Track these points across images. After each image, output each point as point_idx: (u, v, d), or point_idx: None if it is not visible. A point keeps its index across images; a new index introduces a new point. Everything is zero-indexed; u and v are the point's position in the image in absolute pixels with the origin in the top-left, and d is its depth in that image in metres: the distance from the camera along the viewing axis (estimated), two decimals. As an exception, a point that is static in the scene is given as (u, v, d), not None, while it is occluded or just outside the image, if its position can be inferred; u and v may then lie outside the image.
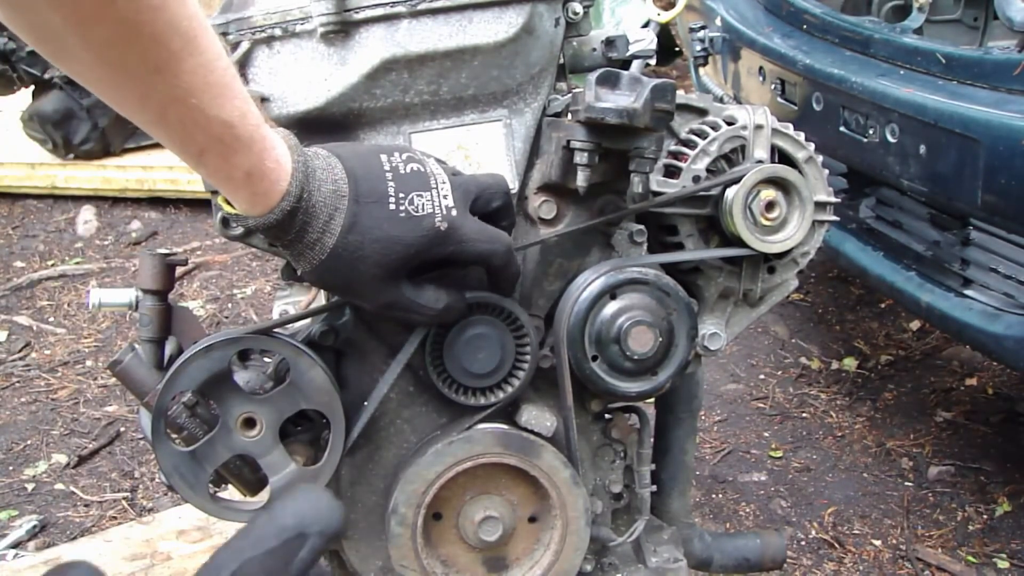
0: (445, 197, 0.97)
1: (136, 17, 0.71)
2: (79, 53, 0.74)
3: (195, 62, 0.76)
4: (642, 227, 1.19)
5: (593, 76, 1.05)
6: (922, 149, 1.97)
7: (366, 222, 0.92)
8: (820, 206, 1.17)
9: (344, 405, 1.08)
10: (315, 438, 1.13)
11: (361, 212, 0.92)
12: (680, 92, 1.11)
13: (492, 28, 1.08)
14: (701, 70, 3.05)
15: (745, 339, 3.07)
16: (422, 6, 1.06)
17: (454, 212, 0.96)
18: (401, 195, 0.94)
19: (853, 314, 3.24)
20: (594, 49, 1.19)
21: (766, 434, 2.66)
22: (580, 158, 1.05)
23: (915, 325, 3.10)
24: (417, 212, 0.94)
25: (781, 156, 1.18)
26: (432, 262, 0.98)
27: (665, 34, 4.85)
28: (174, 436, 1.06)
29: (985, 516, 2.30)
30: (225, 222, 1.08)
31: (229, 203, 0.92)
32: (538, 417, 1.14)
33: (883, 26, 2.34)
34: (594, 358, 1.13)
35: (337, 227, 0.91)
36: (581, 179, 1.06)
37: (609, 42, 1.18)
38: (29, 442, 2.68)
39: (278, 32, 1.07)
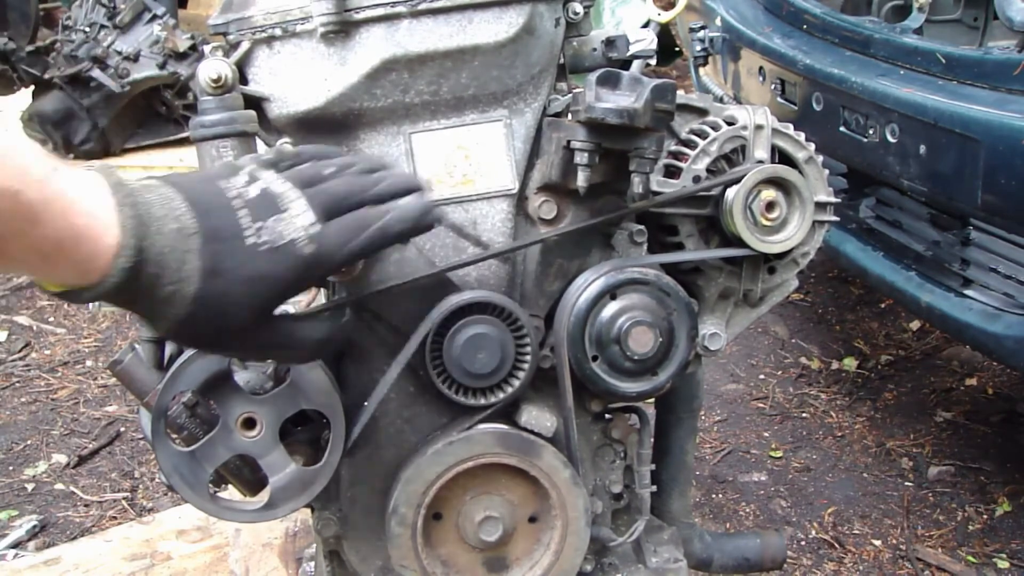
0: (301, 214, 0.83)
1: None
2: None
3: None
4: (642, 227, 1.19)
5: (593, 76, 1.05)
6: (922, 149, 1.97)
7: (227, 262, 0.79)
8: (820, 206, 1.17)
9: (344, 405, 1.08)
10: (315, 438, 1.13)
11: (218, 251, 0.79)
12: (680, 92, 1.11)
13: (492, 28, 1.08)
14: (701, 70, 3.05)
15: (745, 339, 3.07)
16: (422, 6, 1.06)
17: (315, 228, 0.83)
18: (258, 224, 0.81)
19: (853, 314, 3.24)
20: (594, 49, 1.19)
21: (766, 434, 2.66)
22: (580, 158, 1.05)
23: (915, 325, 3.10)
24: (278, 241, 0.81)
25: (781, 156, 1.18)
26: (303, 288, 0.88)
27: (665, 34, 4.85)
28: (174, 436, 1.06)
29: (985, 516, 2.30)
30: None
31: (48, 285, 0.76)
32: (538, 417, 1.14)
33: (883, 26, 2.34)
34: (594, 358, 1.13)
35: (193, 272, 0.77)
36: (581, 179, 1.06)
37: (609, 42, 1.18)
38: (29, 442, 2.68)
39: (278, 32, 1.07)
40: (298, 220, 0.83)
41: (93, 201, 0.73)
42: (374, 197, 0.89)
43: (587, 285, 1.13)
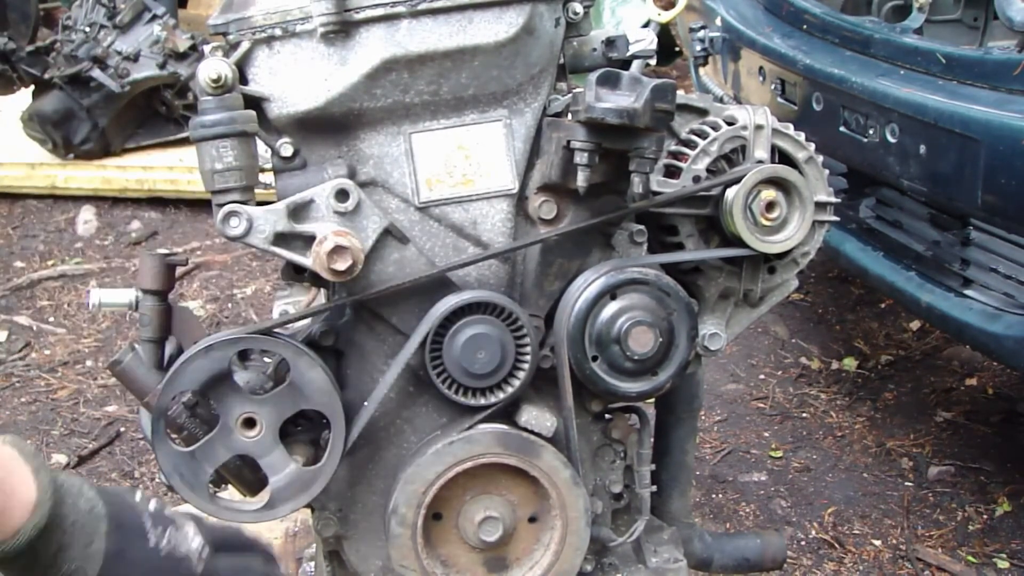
0: (194, 536, 0.90)
1: None
2: None
3: None
4: (642, 227, 1.19)
5: (593, 76, 1.05)
6: (922, 149, 1.97)
7: (130, 554, 0.82)
8: (820, 206, 1.17)
9: (344, 405, 1.08)
10: (315, 438, 1.13)
11: (123, 542, 0.82)
12: (680, 92, 1.11)
13: (492, 28, 1.08)
14: (701, 70, 3.05)
15: (745, 339, 3.06)
16: (422, 6, 1.06)
17: (205, 552, 0.90)
18: (159, 529, 0.87)
19: (853, 314, 3.24)
20: (594, 49, 1.19)
21: (766, 434, 2.66)
22: (580, 158, 1.05)
23: (915, 325, 3.10)
24: (176, 552, 0.87)
25: (781, 156, 1.18)
26: None
27: (665, 34, 4.85)
28: (174, 436, 1.06)
29: (985, 516, 2.30)
30: (227, 218, 1.07)
31: None
32: (538, 417, 1.14)
33: (883, 26, 2.33)
34: (594, 358, 1.13)
35: (98, 554, 0.79)
36: (581, 179, 1.06)
37: (609, 42, 1.18)
38: (29, 442, 2.68)
39: (278, 32, 1.07)
40: (193, 541, 0.89)
41: (11, 462, 0.75)
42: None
43: (587, 285, 1.13)
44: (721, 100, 2.09)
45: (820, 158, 1.18)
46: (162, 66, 3.93)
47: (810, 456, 2.56)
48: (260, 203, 1.08)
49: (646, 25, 1.24)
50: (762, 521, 2.32)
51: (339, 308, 1.13)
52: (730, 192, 1.13)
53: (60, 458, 2.59)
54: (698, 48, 1.38)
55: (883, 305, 3.24)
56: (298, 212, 1.09)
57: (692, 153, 1.15)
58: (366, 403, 1.12)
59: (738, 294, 1.22)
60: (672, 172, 1.17)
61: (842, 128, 2.22)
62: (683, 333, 1.15)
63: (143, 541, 0.84)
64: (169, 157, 4.05)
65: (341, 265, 1.04)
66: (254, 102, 1.09)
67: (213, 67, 1.04)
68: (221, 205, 1.05)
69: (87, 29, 3.94)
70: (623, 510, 1.33)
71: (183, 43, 3.94)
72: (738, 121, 1.17)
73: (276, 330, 1.11)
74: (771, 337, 3.13)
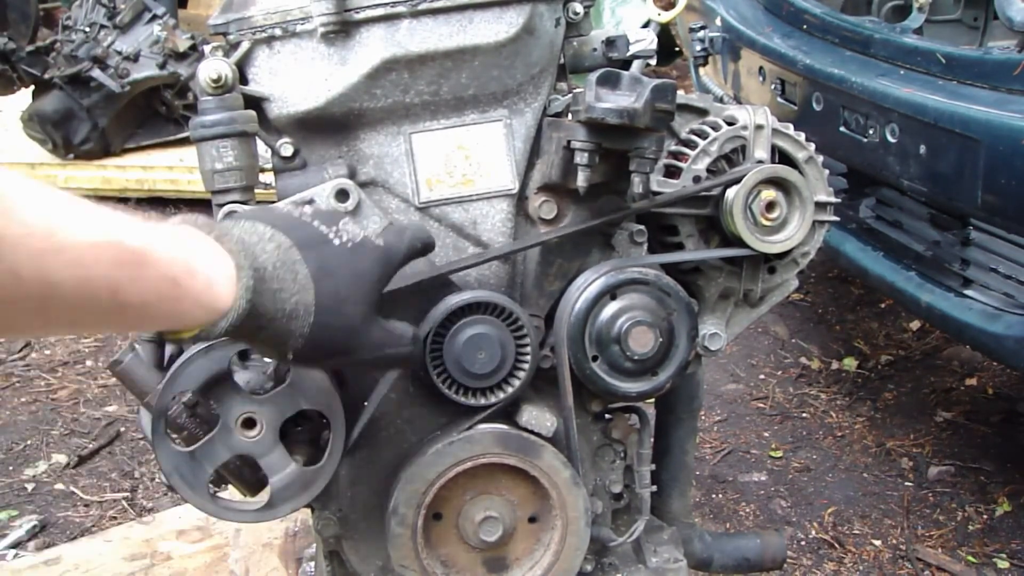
0: (370, 217, 0.93)
1: None
2: None
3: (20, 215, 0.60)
4: (642, 227, 1.19)
5: (593, 76, 1.05)
6: (922, 149, 1.97)
7: (329, 263, 0.84)
8: (820, 206, 1.17)
9: (344, 405, 1.08)
10: (315, 438, 1.13)
11: (317, 256, 0.83)
12: (680, 92, 1.11)
13: (492, 28, 1.08)
14: (701, 70, 3.05)
15: (745, 339, 3.06)
16: (422, 6, 1.06)
17: (376, 224, 0.92)
18: (333, 229, 0.87)
19: (853, 314, 3.24)
20: (594, 49, 1.19)
21: (766, 434, 2.66)
22: (580, 158, 1.05)
23: (915, 325, 3.10)
24: (356, 238, 0.88)
25: (781, 156, 1.18)
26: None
27: (665, 34, 4.85)
28: (174, 436, 1.06)
29: (985, 516, 2.30)
30: (227, 218, 1.07)
31: (183, 332, 0.77)
32: (538, 417, 1.14)
33: (883, 26, 2.33)
34: (594, 358, 1.13)
35: (307, 279, 0.81)
36: (581, 179, 1.06)
37: (609, 42, 1.18)
38: (29, 442, 2.68)
39: (278, 32, 1.07)
40: (361, 224, 0.90)
41: (195, 237, 0.75)
42: None
43: (587, 285, 1.13)
44: (721, 100, 2.09)
45: (820, 158, 1.18)
46: (162, 66, 3.93)
47: (810, 456, 2.56)
48: (260, 203, 1.08)
49: (646, 25, 1.24)
50: (762, 521, 2.32)
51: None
52: (730, 192, 1.13)
53: (60, 458, 2.59)
54: (698, 48, 1.38)
55: (883, 305, 3.24)
56: (298, 212, 1.08)
57: (692, 153, 1.15)
58: (366, 403, 1.12)
59: (738, 294, 1.22)
60: (672, 172, 1.17)
61: (842, 128, 2.23)
62: (683, 333, 1.15)
63: (329, 246, 0.85)
64: (169, 157, 4.05)
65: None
66: (254, 102, 1.09)
67: (213, 67, 1.04)
68: (221, 205, 1.06)
69: (87, 29, 3.93)
70: (623, 510, 1.33)
71: (183, 43, 3.93)
72: (738, 121, 1.17)
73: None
74: (771, 337, 3.13)
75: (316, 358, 0.87)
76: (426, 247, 0.96)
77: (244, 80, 1.09)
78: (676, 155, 1.18)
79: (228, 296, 0.75)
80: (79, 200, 0.66)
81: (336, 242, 0.86)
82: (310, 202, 1.05)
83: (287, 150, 1.11)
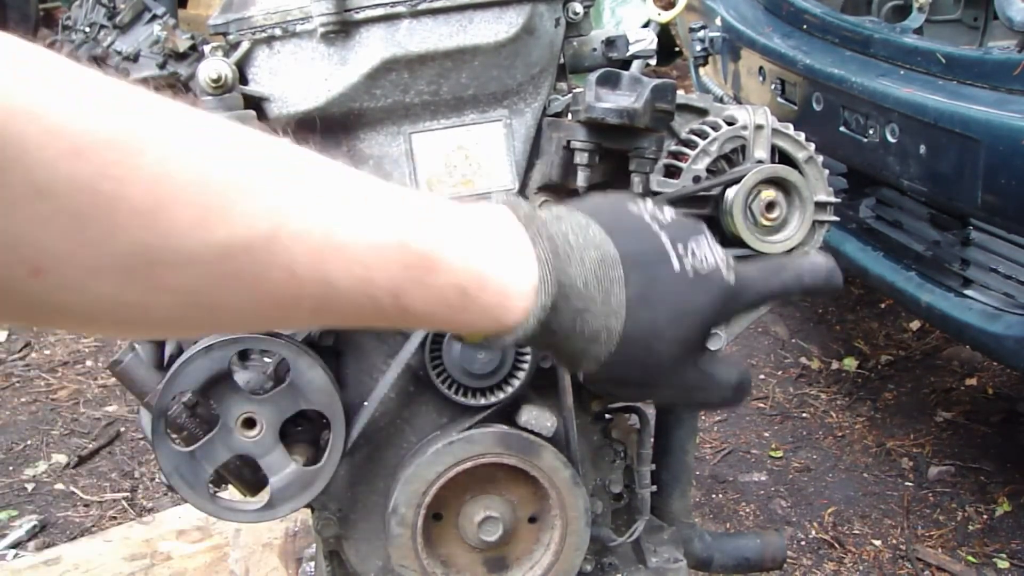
0: (716, 242, 0.75)
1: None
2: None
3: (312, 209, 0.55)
4: (642, 227, 1.19)
5: (593, 76, 1.05)
6: (922, 149, 1.97)
7: (656, 290, 0.71)
8: (820, 206, 1.17)
9: (344, 405, 1.08)
10: (315, 438, 1.13)
11: (644, 278, 0.71)
12: (680, 92, 1.11)
13: (492, 28, 1.08)
14: (701, 70, 3.05)
15: (745, 339, 3.06)
16: (422, 6, 1.06)
17: (731, 258, 0.76)
18: (680, 248, 0.72)
19: (853, 314, 3.24)
20: (594, 49, 1.19)
21: (766, 434, 2.66)
22: (580, 158, 1.05)
23: (915, 325, 3.10)
24: (703, 268, 0.73)
25: (781, 156, 1.18)
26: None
27: (665, 34, 4.85)
28: (174, 436, 1.06)
29: (985, 516, 2.30)
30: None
31: (466, 336, 0.69)
32: (538, 417, 1.14)
33: (883, 26, 2.33)
34: (594, 358, 1.13)
35: (621, 305, 0.70)
36: (581, 179, 1.06)
37: (609, 42, 1.18)
38: (29, 442, 2.68)
39: (278, 32, 1.07)
40: (716, 246, 0.75)
41: (501, 239, 0.66)
42: None
43: (587, 285, 1.12)
44: (721, 100, 2.09)
45: (820, 158, 1.18)
46: (162, 66, 3.93)
47: (810, 456, 2.56)
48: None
49: (646, 25, 1.24)
50: (762, 521, 2.32)
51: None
52: (730, 192, 1.13)
53: (60, 458, 2.60)
54: (698, 48, 1.38)
55: (883, 305, 3.24)
56: (298, 212, 1.08)
57: (692, 153, 1.15)
58: (366, 403, 1.12)
59: (738, 294, 1.22)
60: (672, 172, 1.17)
61: (842, 128, 2.23)
62: (683, 333, 1.14)
63: (668, 268, 0.71)
64: (169, 157, 4.05)
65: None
66: (254, 102, 1.09)
67: (213, 67, 1.04)
68: (221, 205, 1.05)
69: (87, 29, 3.94)
70: (623, 510, 1.33)
71: (183, 43, 3.93)
72: (738, 121, 1.17)
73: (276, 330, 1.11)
74: (771, 337, 3.13)
75: (610, 385, 0.78)
76: (815, 289, 0.82)
77: (244, 80, 1.09)
78: (676, 155, 1.18)
79: (519, 312, 0.66)
80: (363, 181, 0.60)
81: (676, 266, 0.72)
82: (676, 204, 0.94)
83: (287, 150, 1.11)
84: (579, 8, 1.15)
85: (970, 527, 2.27)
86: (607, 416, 1.27)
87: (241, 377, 1.07)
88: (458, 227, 0.64)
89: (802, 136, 1.18)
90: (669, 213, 0.75)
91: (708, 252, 0.74)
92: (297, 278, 0.55)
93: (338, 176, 0.58)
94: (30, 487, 2.49)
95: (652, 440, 1.32)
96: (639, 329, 0.70)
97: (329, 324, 0.67)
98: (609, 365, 0.71)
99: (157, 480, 2.46)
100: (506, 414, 1.16)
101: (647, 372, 0.73)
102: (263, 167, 0.54)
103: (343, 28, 1.05)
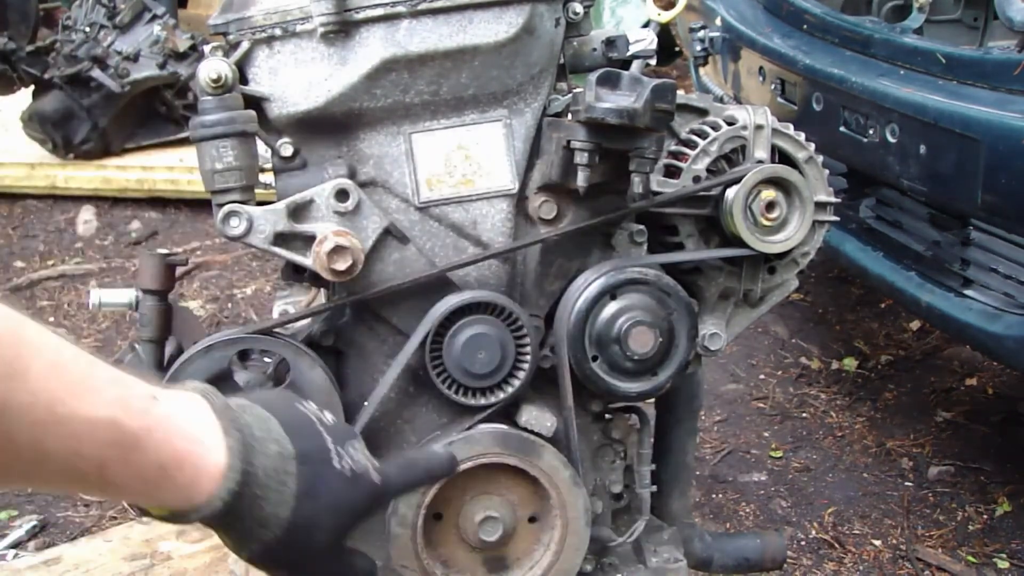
0: (364, 447, 0.88)
1: None
2: None
3: (36, 372, 0.62)
4: (642, 227, 1.19)
5: (593, 76, 1.05)
6: (922, 149, 1.97)
7: (319, 486, 0.80)
8: (820, 206, 1.17)
9: (344, 405, 1.08)
10: (315, 438, 1.13)
11: (311, 474, 0.80)
12: (680, 92, 1.11)
13: (492, 28, 1.08)
14: (701, 70, 3.05)
15: (745, 339, 3.06)
16: (422, 6, 1.06)
17: (375, 461, 0.88)
18: (339, 449, 0.83)
19: (853, 314, 3.24)
20: (594, 49, 1.19)
21: (766, 434, 2.66)
22: (580, 158, 1.05)
23: (915, 325, 3.10)
24: (357, 468, 0.84)
25: (781, 156, 1.18)
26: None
27: (665, 34, 4.85)
28: (174, 436, 1.06)
29: (985, 516, 2.30)
30: (227, 218, 1.07)
31: (158, 510, 0.76)
32: (538, 417, 1.14)
33: (883, 26, 2.33)
34: (594, 358, 1.13)
35: (291, 496, 0.78)
36: (581, 179, 1.06)
37: (609, 42, 1.18)
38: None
39: (278, 32, 1.07)
40: (365, 451, 0.86)
41: (197, 426, 0.73)
42: None
43: (587, 285, 1.13)
44: (721, 100, 2.08)
45: (820, 158, 1.18)
46: (162, 66, 3.93)
47: (810, 456, 2.56)
48: (260, 203, 1.08)
49: (646, 25, 1.24)
50: (762, 521, 2.32)
51: (339, 308, 1.13)
52: (730, 192, 1.13)
53: (60, 458, 2.59)
54: (698, 48, 1.38)
55: (883, 305, 3.23)
56: (298, 212, 1.09)
57: (692, 153, 1.15)
58: (366, 403, 1.12)
59: (738, 294, 1.22)
60: (672, 172, 1.17)
61: (842, 128, 2.22)
62: (683, 333, 1.15)
63: (328, 468, 0.81)
64: (169, 157, 4.05)
65: (341, 265, 1.05)
66: (254, 102, 1.09)
67: (213, 67, 1.04)
68: (221, 205, 1.06)
69: (87, 29, 3.93)
70: (623, 510, 1.33)
71: (183, 43, 3.93)
72: (738, 121, 1.17)
73: (276, 330, 1.11)
74: (771, 337, 3.12)
75: (267, 567, 0.84)
76: (440, 476, 0.97)
77: (244, 80, 1.09)
78: (676, 155, 1.18)
79: (206, 494, 0.73)
80: (90, 360, 0.67)
81: (336, 466, 0.82)
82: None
83: (287, 150, 1.11)
84: (579, 8, 1.15)
85: (970, 527, 2.27)
86: (607, 416, 1.27)
87: (241, 377, 1.07)
88: (164, 410, 0.71)
89: (802, 136, 1.18)
90: (329, 417, 0.86)
91: (360, 456, 0.85)
92: (15, 445, 0.61)
93: (65, 354, 0.65)
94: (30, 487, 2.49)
95: (652, 440, 1.32)
96: (303, 520, 0.78)
97: (38, 486, 0.75)
98: (270, 549, 0.78)
99: (157, 480, 2.46)
100: (506, 414, 1.16)
101: (305, 558, 0.81)
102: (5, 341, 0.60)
103: (343, 28, 1.05)
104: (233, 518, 0.75)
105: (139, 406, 0.68)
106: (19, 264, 3.74)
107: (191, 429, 0.73)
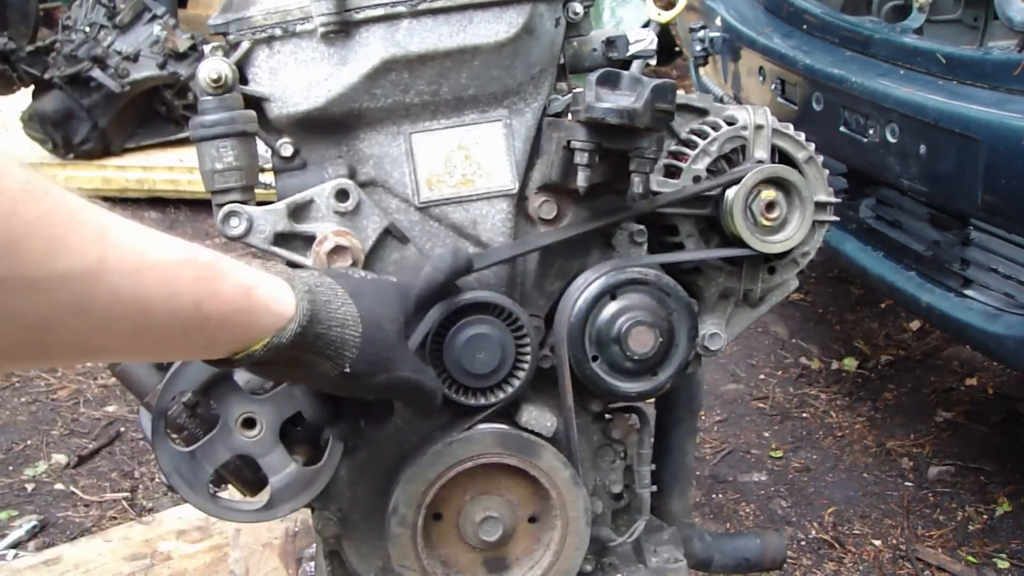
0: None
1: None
2: None
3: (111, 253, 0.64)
4: (642, 227, 1.19)
5: (593, 76, 1.05)
6: (922, 149, 1.97)
7: (359, 287, 0.91)
8: (820, 206, 1.17)
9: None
10: (315, 438, 1.13)
11: (345, 281, 0.90)
12: (680, 92, 1.11)
13: (492, 28, 1.08)
14: (701, 70, 3.05)
15: (745, 339, 3.06)
16: (422, 6, 1.06)
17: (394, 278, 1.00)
18: (349, 272, 0.97)
19: (853, 314, 3.24)
20: (594, 49, 1.19)
21: (766, 434, 2.66)
22: (580, 158, 1.05)
23: (915, 325, 3.10)
24: (372, 276, 0.98)
25: (781, 156, 1.18)
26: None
27: (665, 34, 4.85)
28: (174, 436, 1.06)
29: (985, 516, 2.30)
30: (227, 218, 1.07)
31: (254, 344, 0.79)
32: (538, 417, 1.14)
33: (883, 26, 2.33)
34: (594, 358, 1.13)
35: (345, 296, 0.88)
36: (581, 179, 1.06)
37: (609, 42, 1.18)
38: (29, 442, 2.68)
39: (278, 32, 1.07)
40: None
41: (239, 261, 0.79)
42: None
43: (587, 285, 1.13)
44: (721, 100, 2.08)
45: (820, 158, 1.18)
46: (162, 66, 3.93)
47: (810, 456, 2.56)
48: (260, 203, 1.08)
49: (646, 25, 1.24)
50: (762, 521, 2.32)
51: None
52: (730, 192, 1.13)
53: (60, 458, 2.60)
54: (698, 48, 1.38)
55: (883, 305, 3.24)
56: (298, 212, 1.09)
57: (692, 153, 1.15)
58: (366, 403, 1.12)
59: (738, 294, 1.22)
60: (672, 172, 1.17)
61: (842, 128, 2.23)
62: (683, 333, 1.15)
63: (353, 279, 0.92)
64: (169, 157, 4.06)
65: (341, 265, 1.05)
66: (254, 102, 1.09)
67: (213, 67, 1.04)
68: (221, 205, 1.06)
69: (87, 29, 3.94)
70: (623, 510, 1.33)
71: (183, 43, 3.94)
72: (738, 121, 1.17)
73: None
74: (771, 337, 3.13)
75: (368, 372, 0.89)
76: (454, 273, 1.03)
77: (244, 80, 1.09)
78: (676, 155, 1.18)
79: (291, 302, 0.80)
80: (138, 224, 0.70)
81: (357, 276, 0.94)
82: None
83: (287, 150, 1.11)
84: (579, 8, 1.15)
85: (970, 527, 2.27)
86: (607, 416, 1.27)
87: (241, 377, 1.07)
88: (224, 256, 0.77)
89: (802, 136, 1.18)
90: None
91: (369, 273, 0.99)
92: (120, 298, 0.64)
93: (124, 219, 0.68)
94: (30, 487, 2.49)
95: (652, 440, 1.32)
96: (367, 311, 0.88)
97: (140, 351, 0.77)
98: (363, 348, 0.87)
99: (157, 480, 2.46)
100: (506, 414, 1.16)
101: (389, 348, 0.90)
102: (84, 207, 0.63)
103: (343, 28, 1.05)
104: (320, 324, 0.83)
105: (200, 247, 0.74)
106: (19, 264, 3.73)
107: (239, 261, 0.78)
